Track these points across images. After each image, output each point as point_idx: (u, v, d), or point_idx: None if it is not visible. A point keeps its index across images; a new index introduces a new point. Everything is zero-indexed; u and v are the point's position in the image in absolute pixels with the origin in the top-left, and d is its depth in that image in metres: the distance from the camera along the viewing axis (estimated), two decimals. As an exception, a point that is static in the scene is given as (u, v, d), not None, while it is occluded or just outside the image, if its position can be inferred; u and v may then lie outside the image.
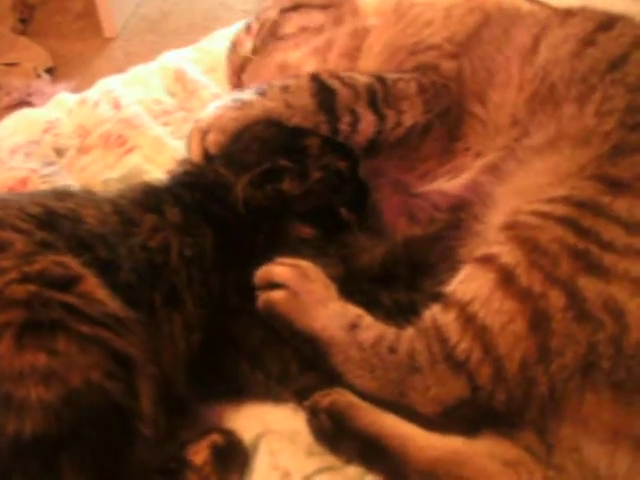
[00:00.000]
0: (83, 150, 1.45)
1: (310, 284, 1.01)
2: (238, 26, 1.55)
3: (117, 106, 1.53)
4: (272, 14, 1.39)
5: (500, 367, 0.89)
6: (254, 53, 1.40)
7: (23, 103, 3.23)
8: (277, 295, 1.00)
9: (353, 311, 0.99)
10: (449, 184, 1.16)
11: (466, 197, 1.13)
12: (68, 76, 3.44)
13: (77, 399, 0.83)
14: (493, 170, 1.11)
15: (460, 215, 1.13)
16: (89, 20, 3.79)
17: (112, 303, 0.90)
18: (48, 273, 0.88)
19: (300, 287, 1.01)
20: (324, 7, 1.38)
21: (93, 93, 1.59)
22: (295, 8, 1.38)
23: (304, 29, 1.37)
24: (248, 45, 1.42)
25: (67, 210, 0.99)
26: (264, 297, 1.00)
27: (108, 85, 1.61)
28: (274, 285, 1.01)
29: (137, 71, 1.69)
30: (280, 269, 1.02)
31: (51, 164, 1.43)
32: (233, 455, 0.97)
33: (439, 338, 0.93)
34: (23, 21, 3.80)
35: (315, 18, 1.37)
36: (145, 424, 0.89)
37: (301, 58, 1.34)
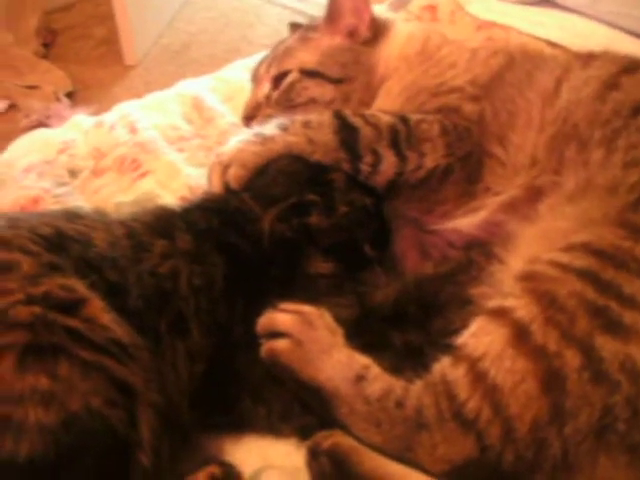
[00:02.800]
0: (97, 172, 1.46)
1: (314, 332, 1.00)
2: (256, 57, 1.57)
3: (133, 130, 1.54)
4: (294, 74, 1.40)
5: (510, 428, 0.88)
6: (269, 103, 1.41)
7: (42, 125, 3.26)
8: (280, 345, 0.98)
9: (360, 361, 0.97)
10: (464, 222, 1.16)
11: (481, 236, 1.13)
12: (87, 101, 3.48)
13: (76, 424, 0.83)
14: (513, 209, 1.11)
15: (473, 255, 1.12)
16: (111, 47, 3.86)
17: (117, 328, 0.90)
18: (53, 295, 0.88)
19: (304, 336, 0.99)
20: (338, 81, 1.38)
21: (110, 116, 1.61)
22: (313, 75, 1.39)
23: (314, 101, 1.38)
24: (265, 89, 1.43)
25: (77, 232, 0.99)
26: (267, 346, 0.98)
27: (125, 109, 1.63)
28: (278, 333, 0.99)
29: (155, 97, 1.71)
30: (283, 317, 1.00)
31: (64, 184, 1.43)
32: None
33: (448, 394, 0.91)
34: (46, 45, 3.87)
35: (326, 93, 1.38)
36: (144, 453, 0.88)
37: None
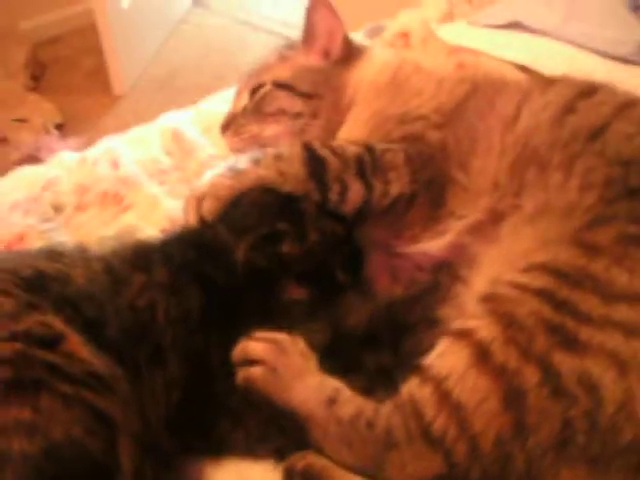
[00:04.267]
0: (81, 207, 1.48)
1: (288, 359, 1.01)
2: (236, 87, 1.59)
3: (115, 165, 1.55)
4: (267, 86, 1.44)
5: (475, 444, 0.89)
6: (243, 114, 1.45)
7: (32, 158, 3.25)
8: (255, 372, 1.00)
9: (331, 385, 0.99)
10: (431, 245, 1.17)
11: (448, 258, 1.13)
12: (77, 132, 3.49)
13: (58, 453, 0.84)
14: (477, 231, 1.12)
15: (440, 277, 1.13)
16: (99, 78, 3.90)
17: (95, 361, 0.91)
18: (33, 332, 0.89)
19: (277, 362, 1.01)
20: (307, 96, 1.42)
21: (93, 152, 1.62)
22: (284, 87, 1.43)
23: (283, 111, 1.42)
24: (243, 101, 1.47)
25: (57, 271, 1.01)
26: (242, 374, 1.00)
27: (109, 144, 1.64)
28: (253, 361, 1.01)
29: (138, 131, 1.72)
30: (257, 345, 1.02)
31: (49, 220, 1.45)
32: None
33: (415, 414, 0.92)
34: (34, 78, 3.89)
35: (295, 105, 1.42)
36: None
37: (275, 134, 1.39)
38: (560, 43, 1.90)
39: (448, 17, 2.16)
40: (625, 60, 1.81)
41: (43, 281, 0.98)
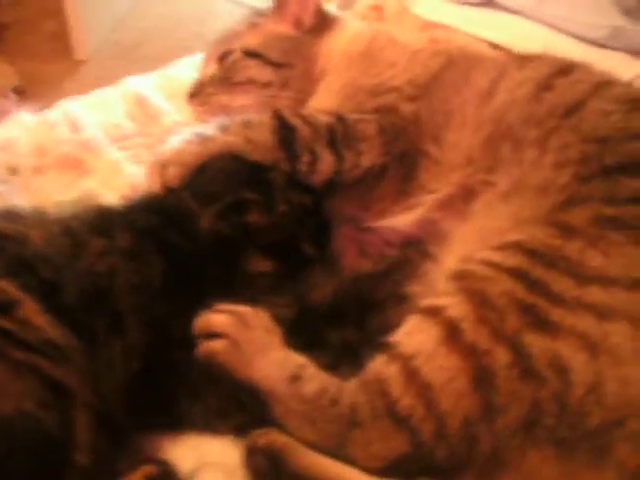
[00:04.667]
0: (38, 170, 1.45)
1: (250, 332, 0.99)
2: (202, 54, 1.58)
3: (75, 128, 1.52)
4: (236, 54, 1.42)
5: (442, 424, 0.89)
6: (212, 82, 1.43)
7: None
8: (217, 345, 0.98)
9: (295, 361, 0.97)
10: (400, 220, 1.16)
11: (417, 234, 1.13)
12: (37, 97, 3.35)
13: (8, 427, 0.81)
14: (448, 207, 1.12)
15: (409, 253, 1.12)
16: (60, 42, 3.79)
17: (51, 329, 0.89)
18: None
19: (240, 336, 0.99)
20: (277, 65, 1.41)
21: (53, 113, 1.58)
22: (253, 55, 1.41)
23: (252, 81, 1.40)
24: (210, 69, 1.45)
25: (14, 231, 0.98)
26: (203, 347, 0.98)
27: (69, 106, 1.60)
28: (214, 334, 0.99)
29: (98, 94, 1.68)
30: (219, 318, 1.00)
31: (4, 182, 1.40)
32: None
33: (381, 392, 0.91)
34: (-7, 39, 3.79)
35: (264, 74, 1.40)
36: (80, 454, 0.87)
37: (244, 105, 1.36)
38: (535, 23, 1.90)
39: (423, -9, 2.13)
40: (599, 44, 1.82)
41: None
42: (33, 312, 0.88)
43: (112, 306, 0.96)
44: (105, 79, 3.47)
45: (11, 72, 3.54)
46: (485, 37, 1.79)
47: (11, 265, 0.92)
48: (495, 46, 1.72)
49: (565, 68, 1.18)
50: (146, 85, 1.68)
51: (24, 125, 1.56)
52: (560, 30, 1.87)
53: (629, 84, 1.20)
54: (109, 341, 0.94)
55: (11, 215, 1.04)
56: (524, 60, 1.24)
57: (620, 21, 1.81)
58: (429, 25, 1.88)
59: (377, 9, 1.94)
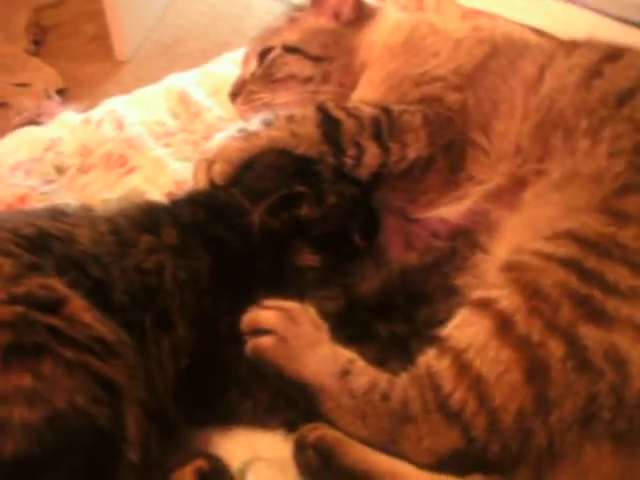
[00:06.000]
0: (84, 169, 1.47)
1: (298, 328, 1.00)
2: (244, 50, 1.59)
3: (120, 126, 1.55)
4: (276, 50, 1.43)
5: (495, 418, 0.89)
6: (253, 80, 1.44)
7: (33, 123, 3.35)
8: (265, 342, 0.99)
9: (344, 356, 0.98)
10: (449, 211, 1.17)
11: (466, 225, 1.14)
12: (79, 98, 3.34)
13: (61, 422, 0.83)
14: (497, 197, 1.12)
15: (458, 244, 1.12)
16: (101, 43, 3.82)
17: (99, 326, 0.91)
18: (34, 295, 0.88)
19: (288, 332, 1.00)
20: (317, 59, 1.41)
21: (97, 112, 1.61)
22: (293, 51, 1.43)
23: (293, 76, 1.41)
24: (252, 66, 1.46)
25: (60, 231, 1.00)
26: (252, 343, 0.99)
27: (113, 105, 1.63)
28: (262, 330, 1.00)
29: (141, 92, 1.71)
30: (266, 314, 1.01)
31: (51, 182, 1.45)
32: None
33: (433, 386, 0.92)
34: (36, 43, 3.83)
35: (305, 69, 1.41)
36: (132, 449, 0.89)
37: (286, 101, 1.37)
38: (579, 8, 1.87)
39: (465, -21, 2.14)
40: None
41: (46, 241, 0.97)
42: (81, 309, 0.90)
43: (160, 303, 0.98)
44: (145, 78, 3.49)
45: (54, 74, 3.57)
46: (526, 23, 1.76)
47: (59, 264, 0.94)
48: (539, 32, 1.69)
49: (614, 53, 1.18)
50: (188, 82, 1.71)
51: (68, 125, 1.59)
52: (605, 13, 1.84)
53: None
54: (158, 338, 0.96)
55: (58, 214, 1.06)
56: (571, 46, 1.23)
57: (667, 2, 1.78)
58: (471, 13, 1.85)
59: (418, -2, 1.95)
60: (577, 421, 0.86)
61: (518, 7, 1.86)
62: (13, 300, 0.87)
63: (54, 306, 0.89)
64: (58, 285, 0.91)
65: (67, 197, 1.39)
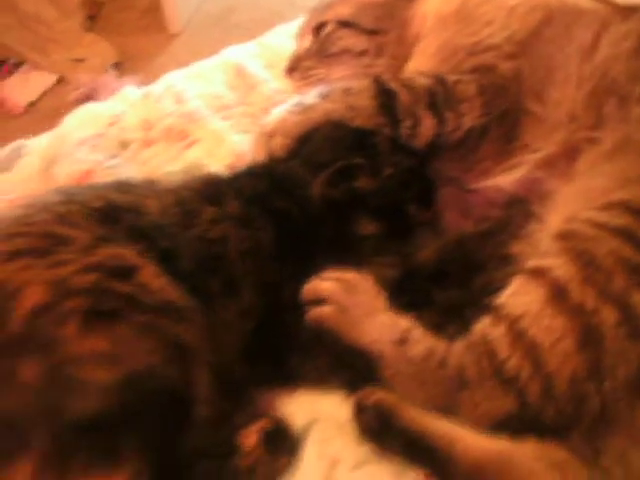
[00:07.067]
0: (146, 143, 1.51)
1: (357, 297, 1.04)
2: (299, 22, 1.61)
3: (179, 100, 1.58)
4: (331, 25, 1.46)
5: (550, 384, 0.91)
6: (308, 55, 1.47)
7: (90, 98, 3.40)
8: (325, 310, 1.03)
9: (402, 324, 1.01)
10: (504, 179, 1.18)
11: (520, 193, 1.15)
12: (134, 71, 3.41)
13: (136, 382, 0.87)
14: (551, 166, 1.13)
15: (513, 213, 1.14)
16: (154, 16, 3.86)
17: (170, 291, 0.95)
18: (107, 264, 0.93)
19: (347, 301, 1.03)
20: (371, 32, 1.44)
21: (157, 87, 1.64)
22: (347, 25, 1.45)
23: (347, 51, 1.44)
24: (307, 42, 1.49)
25: (128, 202, 1.04)
26: (313, 313, 1.03)
27: (171, 80, 1.66)
28: (322, 300, 1.04)
29: (199, 66, 1.74)
30: (326, 284, 1.04)
31: (115, 156, 1.48)
32: (282, 441, 1.00)
33: (488, 353, 0.94)
34: (91, 18, 3.86)
35: (359, 43, 1.44)
36: (201, 408, 0.93)
37: (342, 76, 1.40)
38: None
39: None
40: None
41: (115, 212, 1.02)
42: (152, 276, 0.95)
43: (226, 271, 1.02)
44: (198, 50, 3.46)
45: (110, 48, 3.61)
46: None
47: (129, 234, 0.98)
48: None
49: None
50: (244, 55, 1.73)
51: (129, 101, 1.63)
52: None
53: None
54: (225, 303, 1.01)
55: (125, 187, 1.11)
56: (627, 11, 1.22)
57: None
58: None
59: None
60: (630, 387, 0.88)
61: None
62: (88, 269, 0.91)
63: (126, 274, 0.93)
64: (129, 254, 0.95)
65: (131, 171, 1.43)
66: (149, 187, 1.13)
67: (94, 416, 0.85)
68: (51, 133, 1.58)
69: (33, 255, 0.94)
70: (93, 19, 3.87)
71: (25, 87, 3.52)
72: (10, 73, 3.57)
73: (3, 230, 1.00)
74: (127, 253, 0.96)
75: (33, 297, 0.89)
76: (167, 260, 0.98)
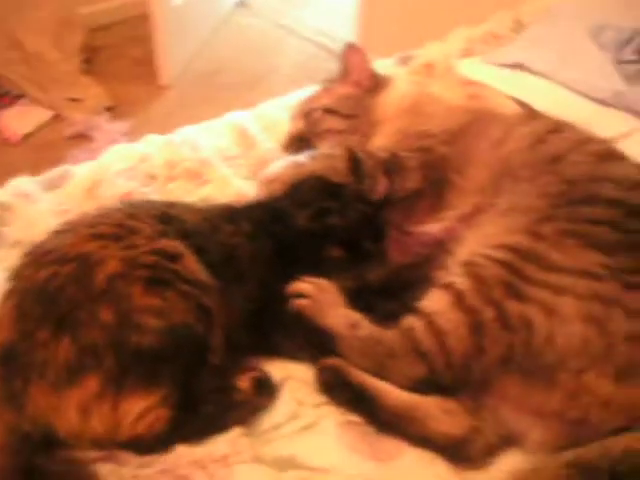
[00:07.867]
0: (170, 179, 1.71)
1: (326, 295, 1.26)
2: (286, 95, 1.91)
3: (194, 149, 1.78)
4: (318, 112, 1.73)
5: (449, 358, 1.14)
6: (302, 136, 1.73)
7: (83, 135, 3.46)
8: (303, 302, 1.26)
9: (355, 315, 1.24)
10: (432, 227, 1.39)
11: (443, 237, 1.36)
12: (125, 116, 3.59)
13: (176, 331, 1.08)
14: (465, 220, 1.34)
15: (437, 250, 1.35)
16: (146, 67, 3.98)
17: (202, 273, 1.16)
18: (165, 250, 1.14)
19: (319, 297, 1.26)
20: (348, 116, 1.70)
21: (176, 137, 1.85)
22: (330, 112, 1.72)
23: (329, 130, 1.70)
24: (299, 125, 1.76)
25: (175, 214, 1.26)
26: (295, 303, 1.26)
27: (187, 133, 1.89)
28: (302, 295, 1.27)
29: (209, 124, 1.96)
30: (305, 285, 1.27)
31: (146, 185, 1.67)
32: (267, 386, 1.21)
33: (410, 336, 1.16)
34: (87, 62, 3.96)
35: (338, 125, 1.70)
36: (215, 356, 1.14)
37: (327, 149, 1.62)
38: (555, 84, 2.14)
39: (467, 53, 2.37)
40: (605, 103, 2.06)
41: (167, 218, 1.23)
42: (191, 262, 1.16)
43: (238, 267, 1.25)
44: (186, 105, 3.60)
45: (103, 93, 3.72)
46: (514, 94, 2.01)
47: (177, 233, 1.19)
48: (520, 102, 1.96)
49: (557, 127, 1.42)
50: (245, 119, 1.96)
51: (155, 144, 1.84)
52: (575, 90, 2.11)
53: (604, 141, 1.42)
54: (235, 288, 1.22)
55: (170, 204, 1.34)
56: (529, 118, 1.52)
57: (621, 86, 2.06)
58: (469, 82, 2.11)
59: (428, 67, 2.22)
60: (500, 361, 1.11)
61: (508, 80, 2.17)
62: (150, 252, 1.12)
63: (175, 258, 1.13)
64: (178, 245, 1.16)
65: (158, 198, 1.60)
66: (185, 207, 1.35)
67: (146, 350, 1.05)
68: (91, 163, 1.75)
69: (111, 238, 1.13)
70: (89, 63, 3.99)
71: (23, 119, 3.60)
72: (10, 104, 3.67)
73: (89, 220, 1.22)
74: (177, 245, 1.16)
75: (111, 266, 1.09)
76: (200, 253, 1.18)
